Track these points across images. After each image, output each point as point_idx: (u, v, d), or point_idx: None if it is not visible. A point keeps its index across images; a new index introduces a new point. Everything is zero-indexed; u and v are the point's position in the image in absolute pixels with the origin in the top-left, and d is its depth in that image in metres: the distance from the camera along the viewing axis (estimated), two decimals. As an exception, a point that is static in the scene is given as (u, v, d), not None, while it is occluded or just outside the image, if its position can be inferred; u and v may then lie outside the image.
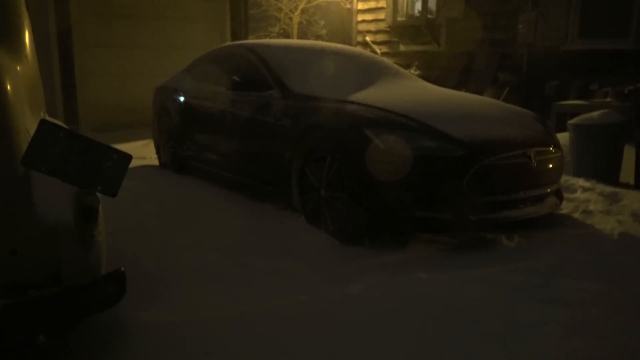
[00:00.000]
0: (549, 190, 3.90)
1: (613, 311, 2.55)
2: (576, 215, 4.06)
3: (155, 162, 6.17)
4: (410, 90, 4.53)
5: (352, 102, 3.86)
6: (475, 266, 3.09)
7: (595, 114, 5.15)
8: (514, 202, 3.64)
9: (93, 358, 2.18)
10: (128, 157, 1.99)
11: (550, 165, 3.85)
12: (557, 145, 3.97)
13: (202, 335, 2.32)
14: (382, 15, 11.21)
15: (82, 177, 1.91)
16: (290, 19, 12.01)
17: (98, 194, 1.93)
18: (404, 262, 3.23)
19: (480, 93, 7.18)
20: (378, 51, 10.96)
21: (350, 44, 10.76)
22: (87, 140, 1.95)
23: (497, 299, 2.66)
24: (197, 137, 5.33)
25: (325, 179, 3.71)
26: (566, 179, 4.71)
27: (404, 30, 10.85)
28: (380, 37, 11.32)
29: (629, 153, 5.09)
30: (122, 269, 2.01)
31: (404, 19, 10.97)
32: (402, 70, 5.38)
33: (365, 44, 11.39)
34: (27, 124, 2.15)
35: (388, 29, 11.13)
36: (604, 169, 5.05)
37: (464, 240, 3.64)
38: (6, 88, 2.06)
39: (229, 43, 6.87)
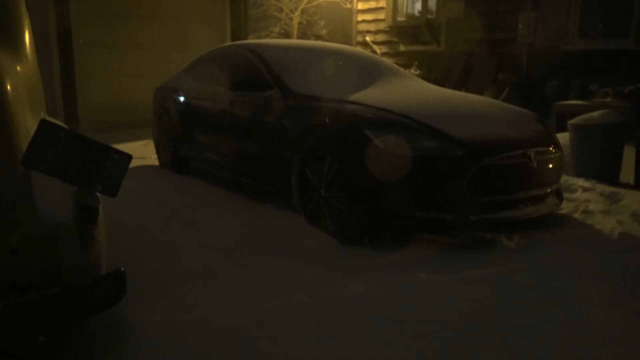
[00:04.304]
0: (549, 190, 3.90)
1: (613, 311, 2.55)
2: (576, 215, 4.06)
3: (155, 162, 6.17)
4: (410, 90, 4.54)
5: (352, 102, 3.86)
6: (475, 266, 3.09)
7: (595, 114, 5.15)
8: (514, 202, 3.64)
9: (93, 358, 2.18)
10: (128, 157, 1.99)
11: (550, 165, 3.85)
12: (557, 145, 3.97)
13: (202, 335, 2.32)
14: (382, 15, 11.21)
15: (82, 177, 1.91)
16: (291, 19, 12.01)
17: (98, 194, 1.93)
18: (404, 262, 3.23)
19: (480, 93, 7.18)
20: (378, 51, 10.96)
21: (350, 44, 10.76)
22: (87, 140, 1.95)
23: (497, 299, 2.66)
24: (197, 137, 5.33)
25: (325, 179, 3.71)
26: (566, 179, 4.71)
27: (404, 30, 10.85)
28: (380, 37, 11.32)
29: (629, 153, 5.09)
30: (122, 269, 2.01)
31: (404, 19, 10.97)
32: (402, 70, 5.38)
33: (365, 44, 11.39)
34: (27, 124, 2.15)
35: (388, 29, 11.13)
36: (604, 169, 5.05)
37: (464, 240, 3.64)
38: (6, 88, 2.06)
39: (229, 43, 6.87)
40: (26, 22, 2.60)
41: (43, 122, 1.91)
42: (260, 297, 2.71)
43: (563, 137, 4.85)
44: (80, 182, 1.92)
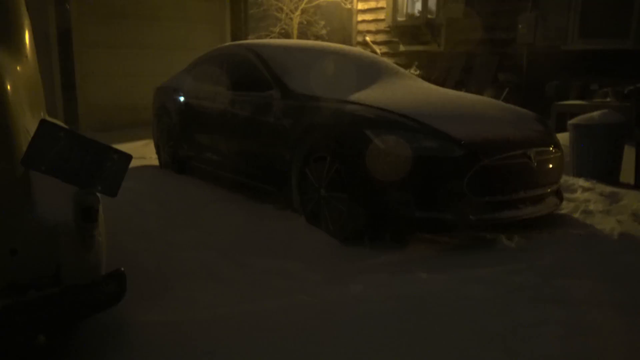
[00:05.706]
0: (549, 190, 3.90)
1: (613, 311, 2.55)
2: (576, 215, 4.06)
3: (155, 162, 6.17)
4: (410, 90, 4.54)
5: (352, 102, 3.87)
6: (475, 266, 3.09)
7: (595, 114, 5.15)
8: (514, 202, 3.64)
9: (93, 358, 2.18)
10: (128, 157, 1.99)
11: (550, 165, 3.85)
12: (557, 145, 3.97)
13: (202, 335, 2.32)
14: (382, 15, 11.21)
15: (82, 177, 1.91)
16: (291, 19, 12.01)
17: (98, 194, 1.93)
18: (404, 262, 3.23)
19: (480, 93, 7.18)
20: (378, 51, 10.96)
21: (350, 44, 10.76)
22: (87, 140, 1.95)
23: (497, 299, 2.66)
24: (197, 137, 5.33)
25: (325, 179, 3.71)
26: (566, 179, 4.71)
27: (404, 30, 10.85)
28: (380, 37, 11.32)
29: (629, 153, 5.09)
30: (122, 269, 2.01)
31: (404, 19, 10.97)
32: (402, 70, 5.39)
33: (365, 44, 11.39)
34: (27, 124, 2.15)
35: (388, 29, 11.13)
36: (604, 169, 5.05)
37: (464, 240, 3.64)
38: (6, 88, 2.06)
39: (229, 43, 6.87)
40: (26, 22, 2.60)
41: (43, 122, 1.91)
42: (260, 297, 2.71)
43: (563, 137, 4.85)
44: (80, 182, 1.91)
